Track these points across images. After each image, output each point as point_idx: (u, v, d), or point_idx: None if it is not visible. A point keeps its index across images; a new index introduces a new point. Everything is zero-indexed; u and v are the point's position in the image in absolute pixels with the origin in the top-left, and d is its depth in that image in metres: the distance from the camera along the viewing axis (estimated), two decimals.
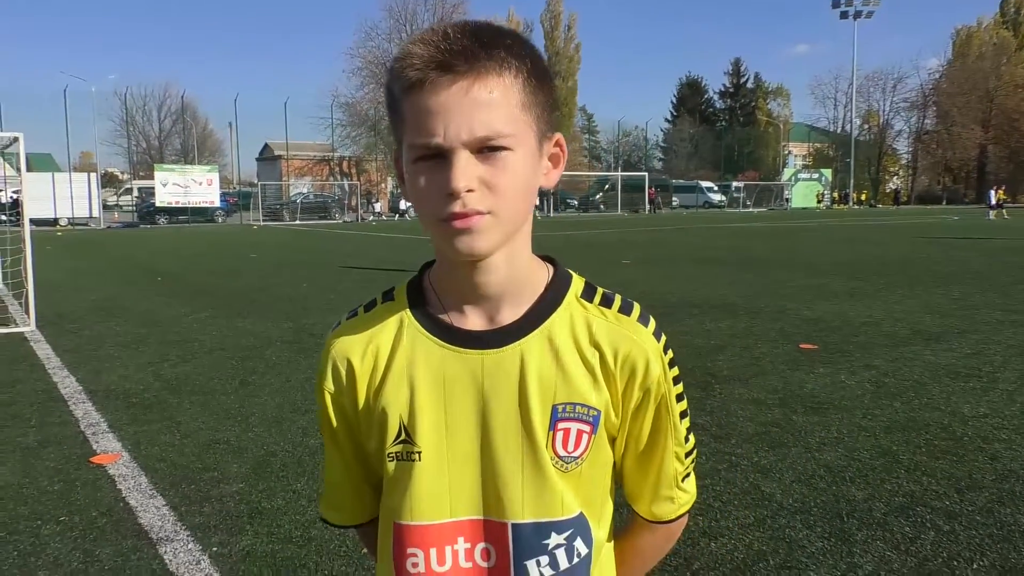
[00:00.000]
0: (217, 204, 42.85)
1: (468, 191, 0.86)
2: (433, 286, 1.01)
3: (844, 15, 70.15)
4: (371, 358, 1.00)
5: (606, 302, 1.00)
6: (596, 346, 0.97)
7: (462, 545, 0.98)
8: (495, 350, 0.96)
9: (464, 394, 0.97)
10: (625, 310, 1.00)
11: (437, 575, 0.98)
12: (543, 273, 1.01)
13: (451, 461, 0.97)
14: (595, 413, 0.97)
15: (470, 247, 0.89)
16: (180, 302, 10.55)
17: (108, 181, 56.10)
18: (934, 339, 7.31)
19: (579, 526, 0.99)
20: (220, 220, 42.85)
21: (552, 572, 0.97)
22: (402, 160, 0.93)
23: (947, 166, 76.19)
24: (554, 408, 0.96)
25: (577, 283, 1.01)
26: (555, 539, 0.97)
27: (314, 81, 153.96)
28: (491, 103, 0.86)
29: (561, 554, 0.98)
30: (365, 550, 1.16)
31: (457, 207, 0.86)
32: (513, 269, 0.96)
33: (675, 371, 1.03)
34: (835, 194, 68.02)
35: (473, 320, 0.98)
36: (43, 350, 7.37)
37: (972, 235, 24.09)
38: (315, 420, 4.98)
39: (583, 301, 1.00)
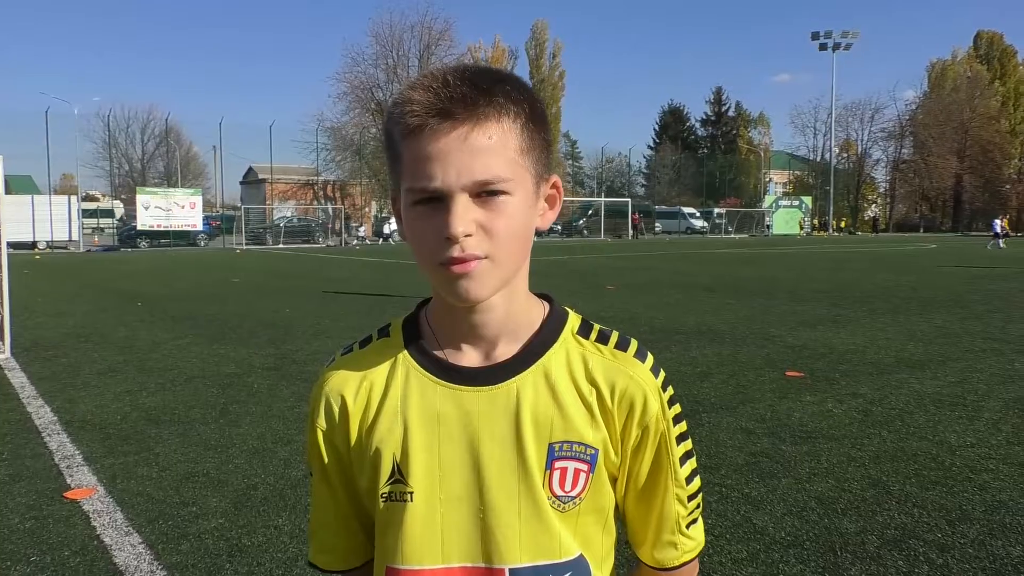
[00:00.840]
0: (200, 228, 42.56)
1: (466, 236, 0.86)
2: (430, 323, 1.01)
3: (823, 47, 71.52)
4: (365, 395, 0.99)
5: (602, 338, 0.99)
6: (593, 383, 0.96)
7: None
8: (490, 387, 0.95)
9: (459, 432, 0.95)
10: (622, 346, 0.99)
11: None
12: (539, 310, 1.00)
13: (444, 502, 0.95)
14: (593, 452, 0.95)
15: (468, 292, 0.89)
16: (160, 328, 10.40)
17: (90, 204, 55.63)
18: (918, 367, 7.33)
19: (578, 568, 0.96)
20: (203, 244, 42.54)
21: None
22: (400, 202, 0.93)
23: (924, 195, 77.33)
24: (551, 447, 0.94)
25: (573, 320, 1.01)
26: None
27: (299, 105, 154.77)
28: (490, 149, 0.87)
29: None
30: None
31: (455, 251, 0.86)
32: (511, 307, 0.96)
33: (676, 409, 1.01)
34: (815, 221, 68.75)
35: (469, 357, 0.97)
36: (18, 378, 7.20)
37: (957, 263, 24.35)
38: (298, 450, 4.90)
39: (579, 337, 0.99)
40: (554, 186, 0.97)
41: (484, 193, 0.87)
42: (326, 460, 1.03)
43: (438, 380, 0.97)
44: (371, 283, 17.76)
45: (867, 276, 18.93)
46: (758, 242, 47.09)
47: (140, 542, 3.57)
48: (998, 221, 38.98)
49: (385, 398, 0.98)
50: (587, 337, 0.99)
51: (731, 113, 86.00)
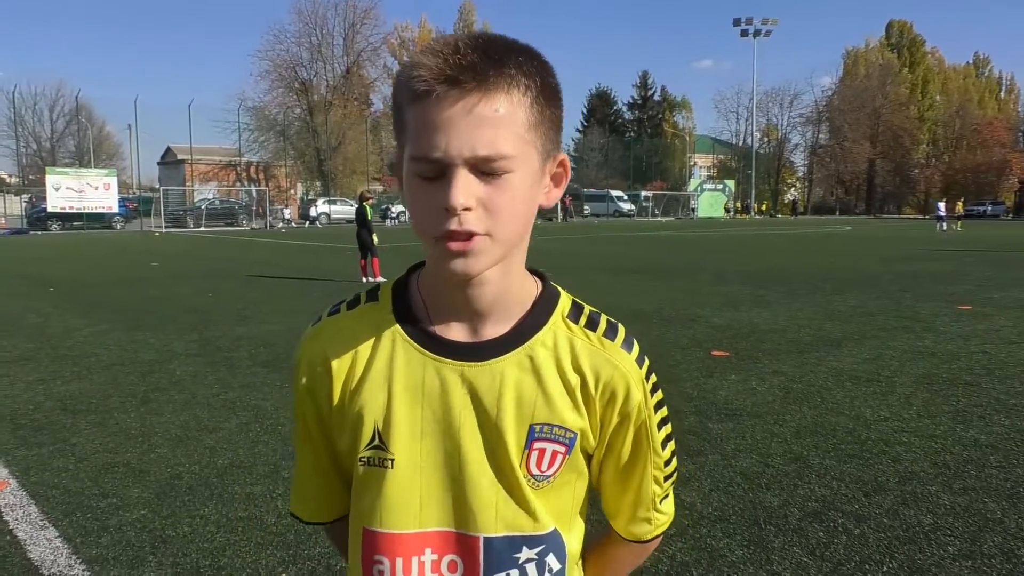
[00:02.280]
0: (115, 210, 40.91)
1: (466, 209, 0.84)
2: (421, 291, 1.00)
3: (744, 33, 73.13)
4: (349, 358, 0.99)
5: (591, 324, 1.00)
6: (578, 370, 0.97)
7: (429, 556, 0.97)
8: (477, 363, 0.96)
9: (442, 404, 0.96)
10: (609, 334, 1.00)
11: None
12: (532, 288, 1.00)
13: (423, 470, 0.96)
14: (572, 435, 0.97)
15: (464, 269, 0.87)
16: (74, 314, 9.95)
17: None
18: (835, 345, 7.62)
19: (552, 542, 0.99)
20: (119, 227, 40.90)
21: None
22: (402, 168, 0.91)
23: (840, 179, 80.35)
24: (531, 427, 0.96)
25: (564, 301, 1.01)
26: (526, 553, 0.97)
27: (220, 83, 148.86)
28: (496, 121, 0.84)
29: (532, 568, 0.98)
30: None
31: (454, 224, 0.85)
32: (505, 284, 0.95)
33: (658, 396, 1.03)
34: (737, 204, 70.64)
35: (457, 331, 0.97)
36: None
37: (870, 245, 25.41)
38: (224, 438, 4.79)
39: (569, 321, 0.99)
40: (561, 164, 0.95)
41: (487, 168, 0.85)
42: (308, 418, 1.03)
43: (425, 352, 0.96)
44: (297, 267, 17.40)
45: (788, 258, 19.59)
46: (684, 225, 48.12)
47: (57, 536, 3.42)
48: (941, 204, 40.27)
49: (371, 365, 0.98)
50: (576, 321, 0.99)
51: (657, 97, 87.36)
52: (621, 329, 1.01)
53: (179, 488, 3.97)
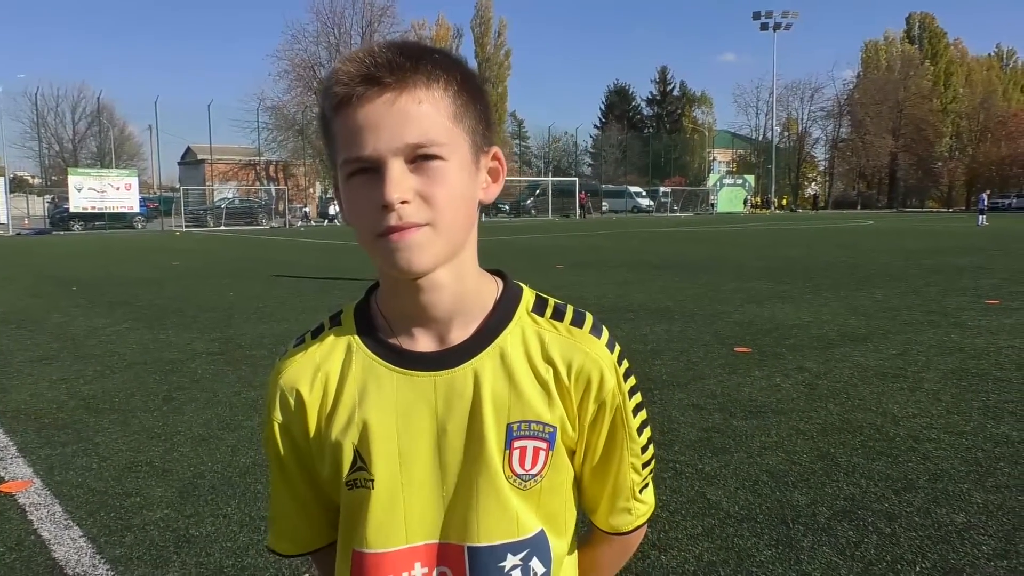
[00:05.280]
0: (136, 209, 41.31)
1: (403, 203, 0.84)
2: (380, 308, 0.99)
3: (764, 27, 72.45)
4: (320, 386, 0.98)
5: (557, 315, 0.99)
6: (549, 361, 0.96)
7: (419, 570, 0.96)
8: (447, 371, 0.95)
9: (418, 418, 0.95)
10: (577, 322, 0.98)
11: None
12: (492, 288, 0.99)
13: (406, 487, 0.95)
14: (551, 430, 0.96)
15: (409, 262, 0.86)
16: (97, 313, 10.03)
17: (17, 186, 53.25)
18: (861, 340, 7.51)
19: (536, 545, 0.98)
20: (140, 226, 41.30)
21: None
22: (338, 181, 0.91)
23: (861, 173, 79.50)
24: (508, 427, 0.95)
25: (528, 296, 1.00)
26: (511, 560, 0.96)
27: (239, 83, 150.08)
28: (420, 114, 0.85)
29: (516, 574, 0.97)
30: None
31: (393, 220, 0.85)
32: (461, 286, 0.94)
33: (631, 382, 1.01)
34: (756, 199, 70.08)
35: (423, 342, 0.96)
36: None
37: (894, 238, 25.09)
38: (246, 437, 4.77)
39: (534, 315, 0.98)
40: (495, 158, 0.95)
41: (419, 158, 0.85)
42: (282, 452, 1.02)
43: (393, 367, 0.96)
44: (317, 265, 17.46)
45: (809, 253, 19.38)
46: (703, 220, 47.80)
47: (81, 535, 3.43)
48: (984, 196, 38.84)
49: (342, 389, 0.97)
50: (542, 314, 0.99)
51: (676, 92, 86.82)
52: (588, 317, 1.00)
53: (202, 487, 3.97)
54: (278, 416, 1.00)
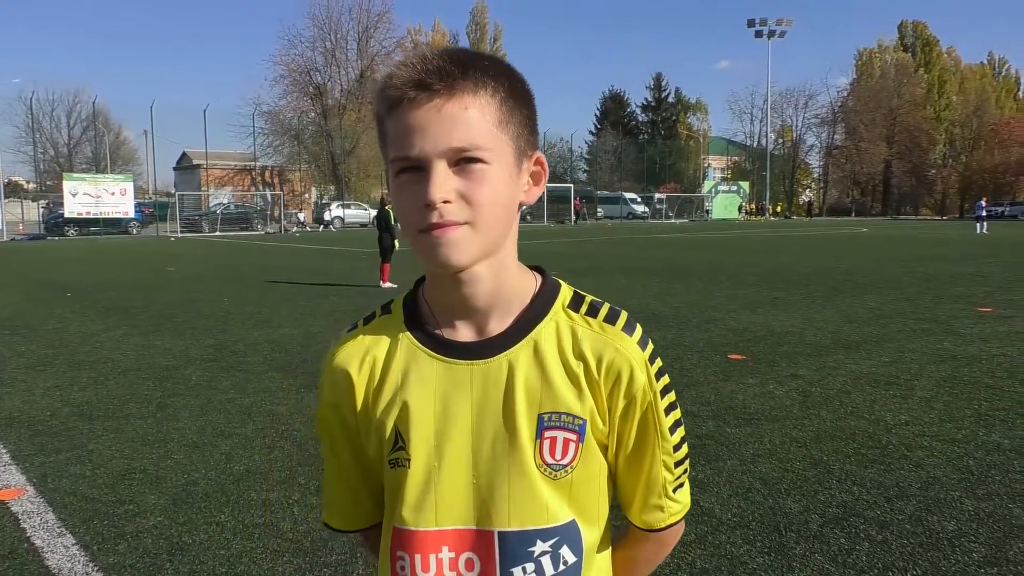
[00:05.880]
0: (131, 215, 41.16)
1: (445, 202, 0.90)
2: (426, 299, 1.05)
3: (759, 34, 72.74)
4: (368, 369, 1.05)
5: (592, 311, 1.03)
6: (580, 356, 1.00)
7: (446, 554, 1.00)
8: (484, 361, 1.00)
9: (454, 404, 1.00)
10: (611, 319, 1.02)
11: None
12: (531, 283, 1.04)
13: (440, 470, 1.00)
14: (580, 422, 0.99)
15: (447, 257, 0.92)
16: (91, 319, 10.02)
17: (12, 191, 53.02)
18: (854, 348, 7.54)
19: (567, 534, 1.00)
20: (135, 232, 41.18)
21: None
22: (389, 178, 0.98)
23: (855, 180, 79.76)
24: (540, 417, 0.98)
25: (565, 292, 1.05)
26: (540, 547, 0.99)
27: (235, 88, 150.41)
28: (466, 119, 0.91)
29: (546, 561, 0.99)
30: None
31: (434, 217, 0.90)
32: (499, 280, 0.99)
33: (664, 381, 1.04)
34: (751, 206, 70.25)
35: (463, 332, 1.02)
36: None
37: (888, 246, 25.18)
38: (240, 443, 4.79)
39: (569, 311, 1.03)
40: (538, 162, 1.01)
41: (462, 161, 0.91)
42: (334, 432, 1.09)
43: (434, 355, 1.01)
44: (312, 271, 17.45)
45: (803, 260, 19.44)
46: (698, 227, 47.91)
47: (74, 543, 3.42)
48: (983, 203, 38.97)
49: (387, 371, 1.03)
50: (577, 310, 1.02)
51: (671, 99, 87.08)
52: (623, 315, 1.04)
53: (195, 495, 3.97)
54: (330, 396, 1.07)
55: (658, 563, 1.17)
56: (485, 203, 0.92)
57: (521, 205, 1.00)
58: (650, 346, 1.03)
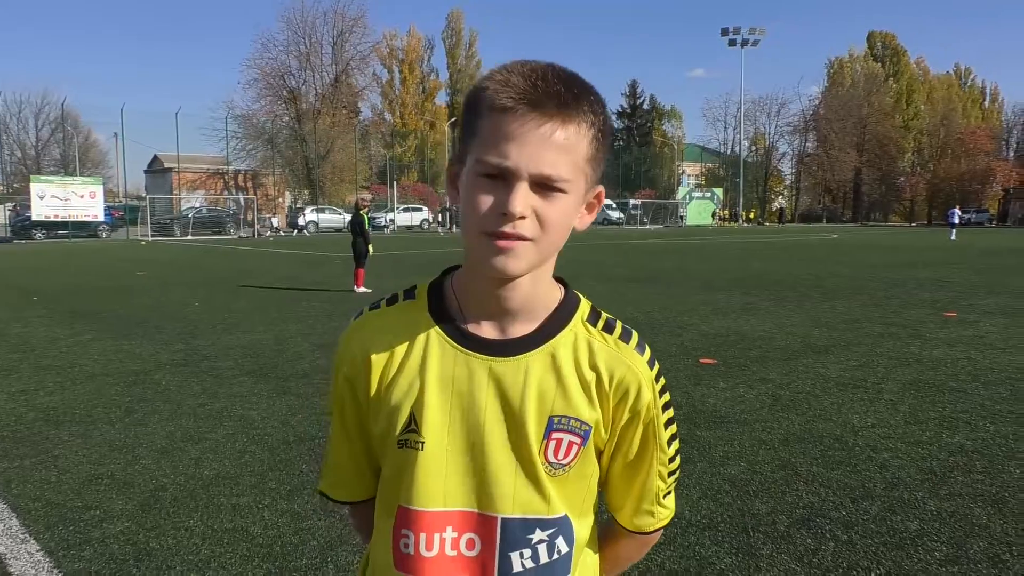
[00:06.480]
0: (101, 218, 40.56)
1: (521, 217, 0.95)
2: (455, 291, 1.09)
3: (732, 43, 73.51)
4: (387, 350, 1.08)
5: (608, 328, 1.10)
6: (594, 368, 1.06)
7: (450, 534, 1.05)
8: (503, 359, 1.05)
9: (470, 396, 1.05)
10: (625, 338, 1.09)
11: (424, 559, 1.05)
12: (556, 293, 1.10)
13: (450, 454, 1.05)
14: (587, 428, 1.06)
15: (505, 266, 0.96)
16: (59, 324, 9.86)
17: None
18: (823, 352, 7.65)
19: (563, 526, 1.08)
20: (104, 235, 40.59)
21: (533, 565, 1.06)
22: (459, 168, 1.01)
23: (827, 187, 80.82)
24: (550, 419, 1.05)
25: (584, 306, 1.11)
26: (539, 535, 1.06)
27: (207, 91, 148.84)
28: (562, 147, 0.95)
29: (543, 549, 1.06)
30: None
31: (507, 227, 0.95)
32: (535, 288, 1.05)
33: (666, 397, 1.12)
34: (724, 212, 70.92)
35: (487, 329, 1.06)
36: None
37: (856, 252, 25.53)
38: (210, 448, 4.74)
39: (588, 324, 1.09)
40: (597, 196, 1.07)
41: (544, 186, 0.95)
42: (346, 405, 1.13)
43: (457, 347, 1.06)
44: (285, 276, 17.32)
45: (775, 266, 19.67)
46: (672, 233, 48.26)
47: (38, 549, 3.37)
48: (956, 210, 39.64)
49: (407, 357, 1.07)
50: (595, 325, 1.09)
51: (646, 106, 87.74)
52: (635, 334, 1.11)
53: (164, 500, 3.93)
54: (346, 370, 1.11)
55: (639, 559, 1.26)
56: (553, 226, 0.97)
57: (573, 229, 1.05)
58: (657, 365, 1.11)
